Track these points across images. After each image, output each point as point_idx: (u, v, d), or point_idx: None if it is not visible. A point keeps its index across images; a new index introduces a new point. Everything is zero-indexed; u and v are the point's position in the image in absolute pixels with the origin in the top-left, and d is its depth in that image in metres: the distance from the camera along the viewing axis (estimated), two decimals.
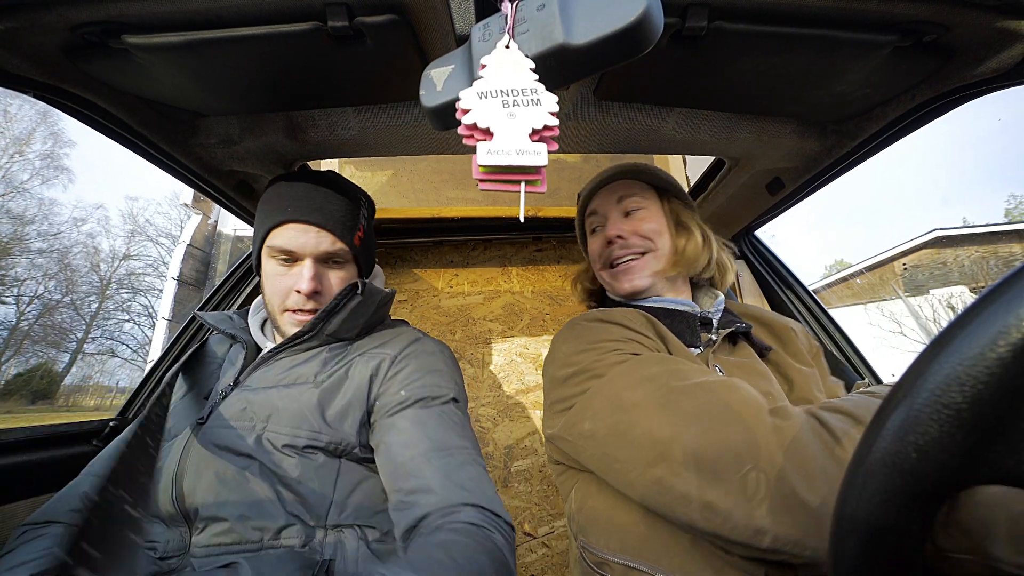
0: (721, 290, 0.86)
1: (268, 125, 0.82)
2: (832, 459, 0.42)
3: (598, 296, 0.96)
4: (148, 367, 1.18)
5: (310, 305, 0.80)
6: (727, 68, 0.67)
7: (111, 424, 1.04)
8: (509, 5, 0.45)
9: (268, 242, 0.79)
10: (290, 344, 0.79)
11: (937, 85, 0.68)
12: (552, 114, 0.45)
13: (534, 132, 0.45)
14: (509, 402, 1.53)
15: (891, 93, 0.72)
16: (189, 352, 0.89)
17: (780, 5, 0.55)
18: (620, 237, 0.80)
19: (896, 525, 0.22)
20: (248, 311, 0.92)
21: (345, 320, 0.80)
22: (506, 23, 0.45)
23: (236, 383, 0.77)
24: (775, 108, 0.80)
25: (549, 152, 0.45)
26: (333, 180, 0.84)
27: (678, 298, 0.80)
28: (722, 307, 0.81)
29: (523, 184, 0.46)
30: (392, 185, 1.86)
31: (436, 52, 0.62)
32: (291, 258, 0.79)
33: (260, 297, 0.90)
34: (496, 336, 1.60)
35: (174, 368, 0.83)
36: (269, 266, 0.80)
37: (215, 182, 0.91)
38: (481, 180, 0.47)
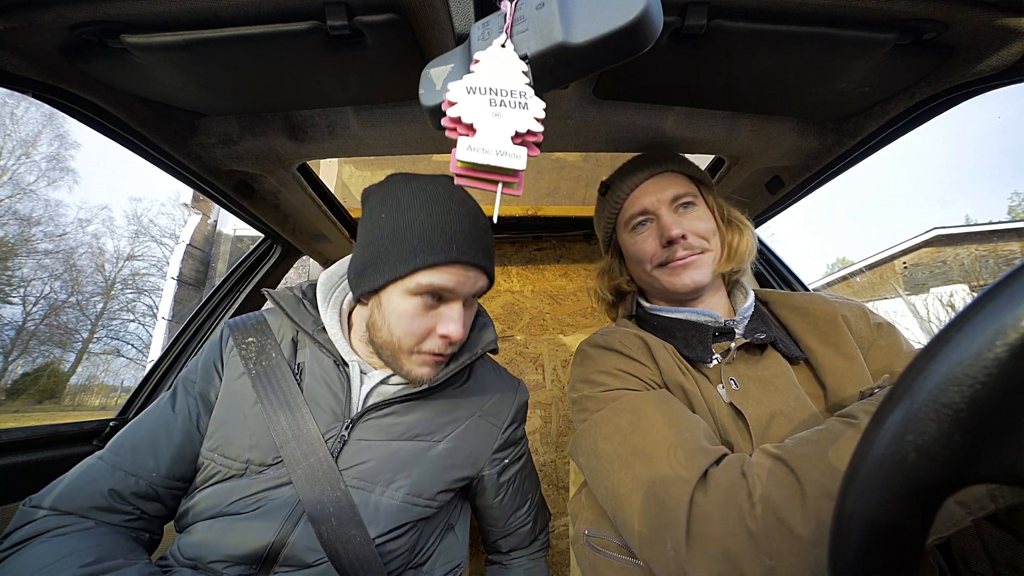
0: (741, 275, 0.83)
1: (267, 125, 0.82)
2: (741, 533, 0.46)
3: (628, 303, 0.90)
4: (148, 367, 1.18)
5: (451, 350, 0.73)
6: (726, 66, 0.66)
7: (111, 424, 1.04)
8: (508, 4, 0.45)
9: (418, 278, 0.66)
10: (404, 399, 0.75)
11: (936, 83, 0.68)
12: (538, 119, 0.45)
13: (517, 135, 0.45)
14: None
15: (890, 91, 0.72)
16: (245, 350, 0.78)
17: (779, 3, 0.55)
18: (684, 237, 0.75)
19: (896, 523, 0.22)
20: (315, 294, 0.79)
21: (456, 367, 0.76)
22: (505, 22, 0.45)
23: (352, 425, 0.72)
24: (775, 106, 0.80)
25: (530, 156, 0.45)
26: (471, 200, 0.73)
27: (701, 308, 0.78)
28: (750, 312, 0.76)
29: (500, 185, 0.46)
30: None
31: (435, 51, 0.62)
32: (440, 299, 0.69)
33: (329, 275, 0.81)
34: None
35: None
36: (406, 303, 0.67)
37: (214, 182, 0.91)
38: (458, 175, 0.46)
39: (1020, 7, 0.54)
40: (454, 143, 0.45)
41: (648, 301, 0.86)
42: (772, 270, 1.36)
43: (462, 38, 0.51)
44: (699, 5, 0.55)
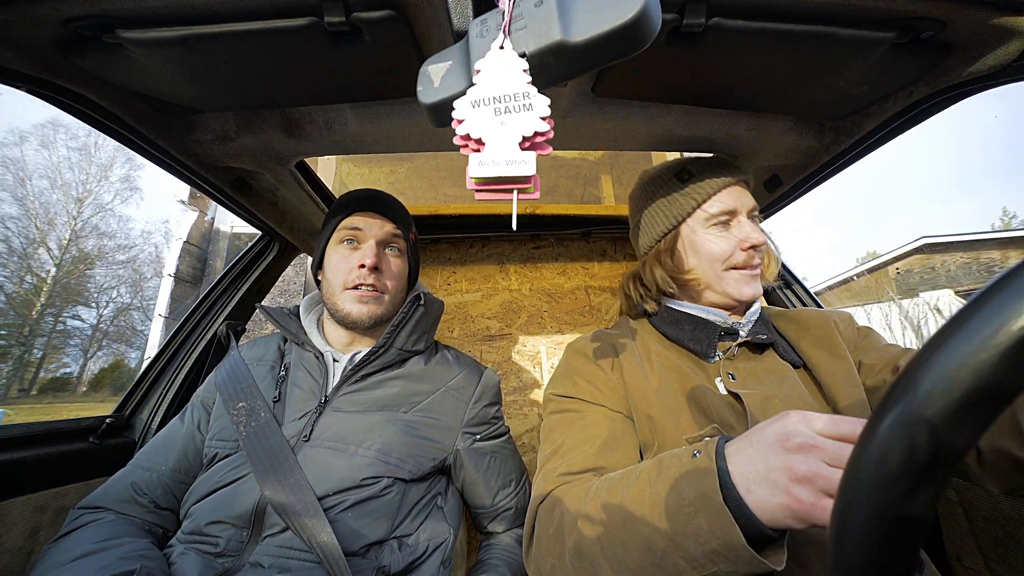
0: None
1: (265, 121, 0.81)
2: (529, 540, 0.64)
3: (653, 301, 0.87)
4: (145, 364, 1.17)
5: (371, 279, 0.88)
6: (725, 65, 0.66)
7: (107, 421, 1.03)
8: (506, 1, 0.45)
9: (339, 228, 0.91)
10: (370, 360, 0.87)
11: (934, 82, 0.68)
12: (543, 119, 0.44)
13: (524, 140, 0.45)
14: (507, 399, 1.53)
15: (888, 90, 0.73)
16: (230, 355, 0.94)
17: (778, 2, 0.55)
18: (762, 245, 0.78)
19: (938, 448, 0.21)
20: (299, 309, 0.99)
21: (411, 332, 0.92)
22: (503, 19, 0.45)
23: (326, 400, 0.83)
24: (773, 105, 0.80)
25: (542, 155, 0.45)
26: (391, 196, 1.01)
27: (712, 308, 0.81)
28: (755, 317, 0.81)
29: (515, 192, 0.46)
30: (390, 182, 1.86)
31: (434, 48, 0.62)
32: (357, 240, 0.91)
33: (311, 296, 1.01)
34: (494, 334, 1.60)
35: (215, 374, 0.91)
36: (336, 253, 0.91)
37: (211, 179, 0.90)
38: (476, 190, 0.47)
39: (1018, 6, 0.54)
40: (467, 160, 0.46)
41: (670, 298, 0.87)
42: (783, 284, 1.35)
43: (460, 35, 0.51)
44: (698, 3, 0.54)
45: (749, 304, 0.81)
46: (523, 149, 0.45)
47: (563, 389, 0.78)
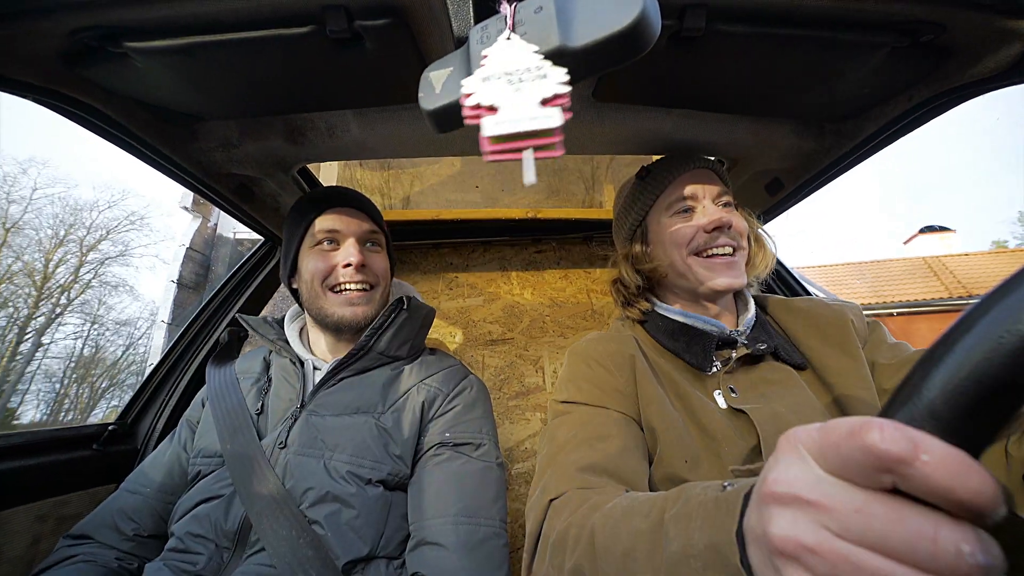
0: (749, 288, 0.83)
1: (267, 129, 0.82)
2: (555, 547, 0.53)
3: (642, 302, 0.84)
4: (148, 371, 1.17)
5: (359, 277, 0.85)
6: (725, 69, 0.67)
7: (110, 428, 1.03)
8: (508, 6, 0.45)
9: (311, 230, 0.86)
10: (348, 363, 0.83)
11: (935, 85, 0.68)
12: (561, 83, 0.42)
13: (544, 101, 0.42)
14: (509, 404, 1.53)
15: (889, 93, 0.73)
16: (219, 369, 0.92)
17: (777, 6, 0.56)
18: (730, 227, 0.75)
19: None
20: (283, 319, 0.96)
21: (393, 337, 0.87)
22: (505, 24, 0.46)
23: (303, 405, 0.81)
24: (773, 108, 0.80)
25: (564, 111, 0.42)
26: (357, 192, 0.96)
27: (708, 317, 0.78)
28: (752, 323, 0.77)
29: (531, 151, 0.42)
30: (391, 187, 1.86)
31: (435, 54, 0.62)
32: (334, 240, 0.87)
33: (294, 307, 0.98)
34: (496, 338, 1.60)
35: (202, 391, 0.90)
36: (313, 256, 0.86)
37: (214, 185, 0.91)
38: (490, 153, 0.43)
39: (1017, 9, 0.55)
40: (479, 128, 0.43)
41: (659, 299, 0.85)
42: (773, 274, 1.35)
43: (461, 41, 0.52)
44: (697, 8, 0.55)
45: (726, 293, 0.77)
46: (544, 107, 0.42)
47: (567, 395, 0.74)
